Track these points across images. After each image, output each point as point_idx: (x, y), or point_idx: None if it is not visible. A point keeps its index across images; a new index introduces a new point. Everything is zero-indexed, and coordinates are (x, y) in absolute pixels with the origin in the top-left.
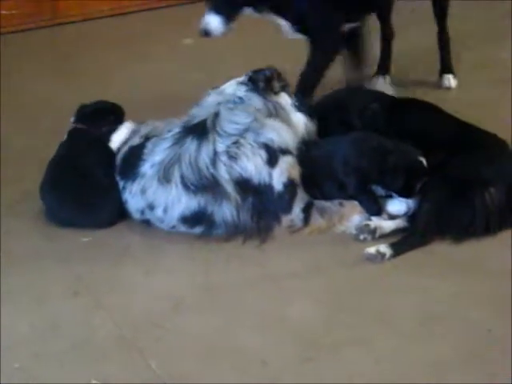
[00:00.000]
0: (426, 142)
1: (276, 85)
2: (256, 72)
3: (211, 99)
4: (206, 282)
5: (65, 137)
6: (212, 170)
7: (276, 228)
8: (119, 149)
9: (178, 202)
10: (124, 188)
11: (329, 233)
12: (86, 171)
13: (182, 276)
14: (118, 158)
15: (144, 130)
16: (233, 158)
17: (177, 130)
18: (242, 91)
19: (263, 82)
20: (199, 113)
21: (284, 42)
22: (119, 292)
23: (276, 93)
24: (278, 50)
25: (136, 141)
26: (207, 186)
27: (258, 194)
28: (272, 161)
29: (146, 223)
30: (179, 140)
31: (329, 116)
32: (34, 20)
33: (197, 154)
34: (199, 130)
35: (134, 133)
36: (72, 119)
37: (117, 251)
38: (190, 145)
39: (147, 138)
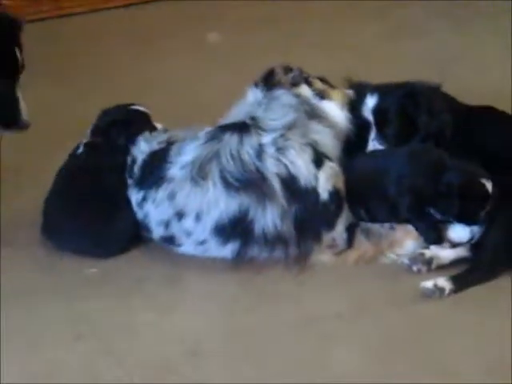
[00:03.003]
0: (501, 159)
1: (284, 78)
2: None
3: (237, 109)
4: (233, 323)
5: (80, 149)
6: (257, 163)
7: (316, 250)
8: (135, 159)
9: (215, 204)
10: (145, 199)
11: (377, 264)
12: (99, 189)
13: (203, 316)
14: (135, 168)
15: (161, 138)
16: (280, 149)
17: (209, 129)
18: (259, 94)
19: (262, 82)
20: (228, 121)
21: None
22: (129, 334)
23: (294, 85)
24: (317, 47)
25: (155, 146)
26: (252, 181)
27: (303, 200)
28: (318, 162)
29: (168, 242)
30: (215, 136)
31: (389, 108)
32: (32, 11)
33: (239, 146)
34: (238, 126)
35: (147, 141)
36: (88, 131)
37: (127, 286)
38: (230, 139)
39: (169, 143)
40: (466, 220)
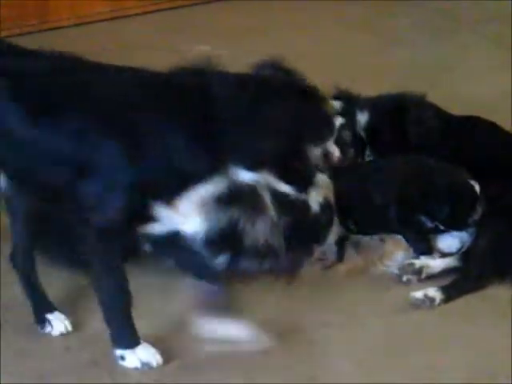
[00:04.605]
0: (488, 167)
1: None
2: None
3: None
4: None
5: None
6: None
7: (306, 262)
8: None
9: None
10: None
11: (366, 275)
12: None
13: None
14: None
15: None
16: None
17: None
18: None
19: None
20: None
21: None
22: None
23: None
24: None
25: None
26: (242, 192)
27: (293, 212)
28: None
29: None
30: None
31: (381, 124)
32: (17, 24)
33: None
34: None
35: None
36: None
37: None
38: None
39: None
40: (456, 224)
